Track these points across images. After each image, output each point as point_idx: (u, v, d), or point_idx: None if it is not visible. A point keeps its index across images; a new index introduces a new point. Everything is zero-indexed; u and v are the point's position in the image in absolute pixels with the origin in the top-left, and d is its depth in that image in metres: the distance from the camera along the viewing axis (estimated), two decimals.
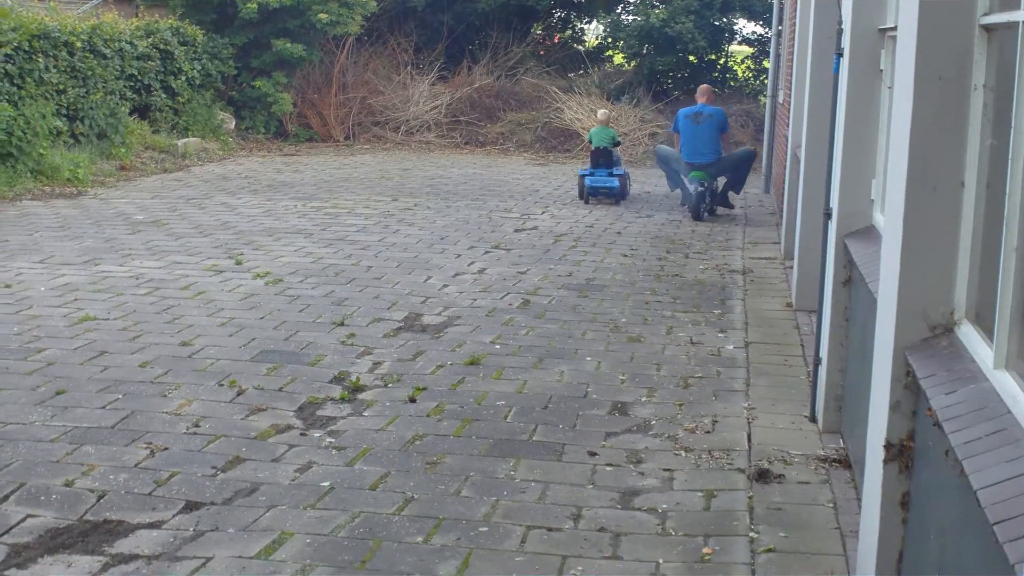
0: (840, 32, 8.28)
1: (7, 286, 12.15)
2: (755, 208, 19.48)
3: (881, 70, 7.97)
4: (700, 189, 18.03)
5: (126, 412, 8.26)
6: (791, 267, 12.85)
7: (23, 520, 6.47)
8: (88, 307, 11.31)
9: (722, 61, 32.23)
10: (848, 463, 7.51)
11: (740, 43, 32.71)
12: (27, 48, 20.23)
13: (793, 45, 15.96)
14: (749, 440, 7.99)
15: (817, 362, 8.47)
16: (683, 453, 7.72)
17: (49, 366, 9.34)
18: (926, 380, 4.85)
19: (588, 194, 19.41)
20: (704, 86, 19.74)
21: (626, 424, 8.27)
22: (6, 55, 19.62)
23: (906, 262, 5.10)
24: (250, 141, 27.51)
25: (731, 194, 19.04)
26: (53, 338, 10.19)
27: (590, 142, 19.88)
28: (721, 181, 18.73)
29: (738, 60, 33.05)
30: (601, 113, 21.05)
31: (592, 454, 7.67)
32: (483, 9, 31.86)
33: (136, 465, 7.28)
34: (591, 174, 19.45)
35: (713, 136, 18.27)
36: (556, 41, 35.37)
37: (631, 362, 9.85)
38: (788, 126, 15.62)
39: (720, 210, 18.71)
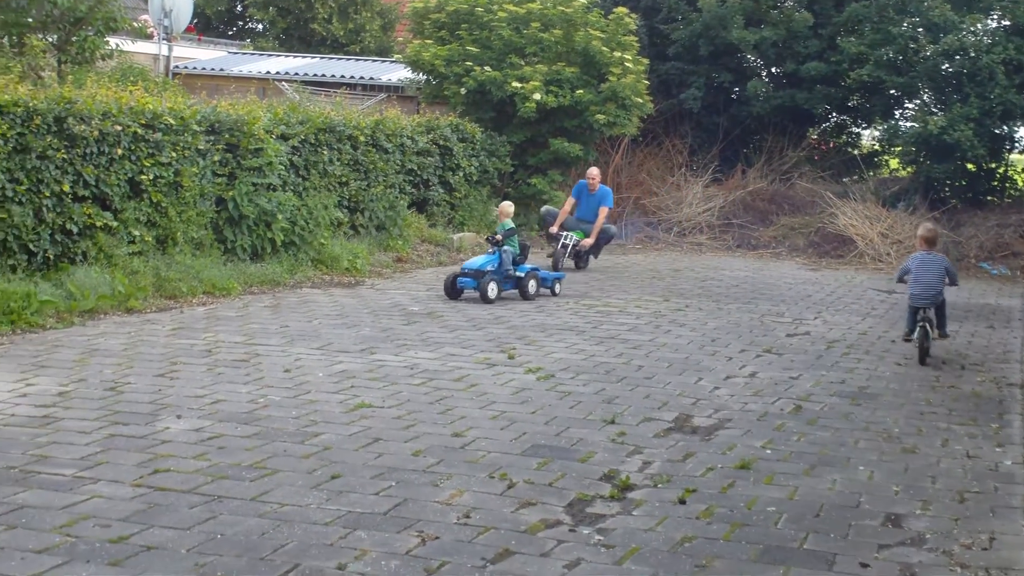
0: None
1: (287, 371, 12.51)
2: None
3: None
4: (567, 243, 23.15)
5: (399, 499, 8.39)
6: None
7: None
8: (364, 395, 11.57)
9: (1001, 170, 31.51)
10: None
11: (1021, 152, 31.94)
12: (313, 141, 20.96)
13: None
14: None
15: None
16: (959, 569, 7.50)
17: (325, 451, 9.56)
18: None
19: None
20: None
21: (900, 536, 8.09)
22: (293, 147, 20.33)
23: None
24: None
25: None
26: (329, 423, 10.44)
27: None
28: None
29: (1018, 169, 32.25)
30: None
31: (864, 566, 7.50)
32: (758, 112, 31.81)
33: (407, 552, 7.37)
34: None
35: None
36: (832, 147, 35.14)
37: (905, 473, 9.64)
38: None
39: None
